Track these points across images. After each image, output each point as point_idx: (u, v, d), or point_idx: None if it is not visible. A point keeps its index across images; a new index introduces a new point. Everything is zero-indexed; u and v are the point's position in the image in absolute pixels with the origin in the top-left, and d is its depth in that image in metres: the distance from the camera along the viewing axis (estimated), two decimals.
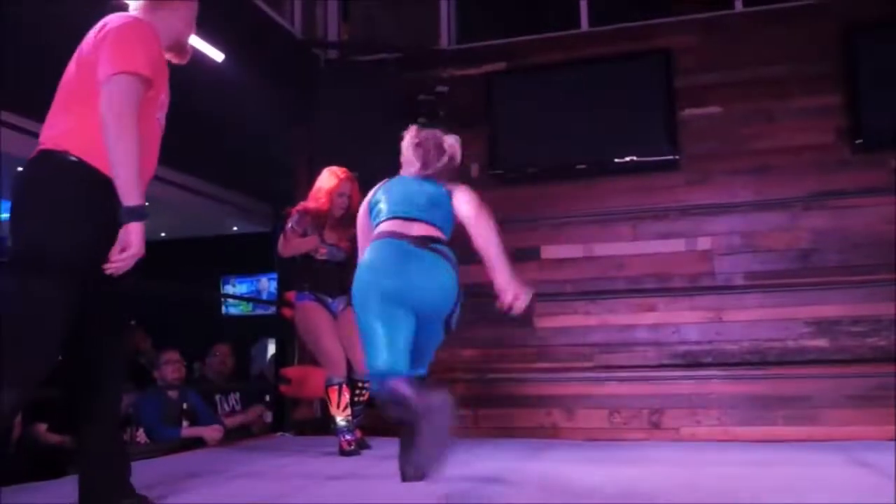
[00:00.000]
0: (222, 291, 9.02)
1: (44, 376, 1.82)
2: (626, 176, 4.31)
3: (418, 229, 2.31)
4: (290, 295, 3.77)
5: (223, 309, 9.16)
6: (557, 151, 4.36)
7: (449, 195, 2.45)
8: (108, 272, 1.89)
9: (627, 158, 4.25)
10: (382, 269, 2.25)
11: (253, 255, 7.16)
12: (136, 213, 1.88)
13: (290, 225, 3.42)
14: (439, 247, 2.31)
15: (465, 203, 2.39)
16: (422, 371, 2.43)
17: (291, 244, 3.45)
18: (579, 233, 4.36)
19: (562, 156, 4.36)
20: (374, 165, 3.27)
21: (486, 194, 4.24)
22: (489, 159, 4.50)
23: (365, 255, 2.35)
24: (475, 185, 4.28)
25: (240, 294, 9.08)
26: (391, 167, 3.73)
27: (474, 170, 4.59)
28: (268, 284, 8.67)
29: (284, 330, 4.56)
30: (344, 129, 4.36)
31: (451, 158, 2.54)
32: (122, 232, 1.87)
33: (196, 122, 3.44)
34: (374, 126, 4.31)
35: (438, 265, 2.27)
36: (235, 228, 8.26)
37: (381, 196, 2.46)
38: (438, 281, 2.26)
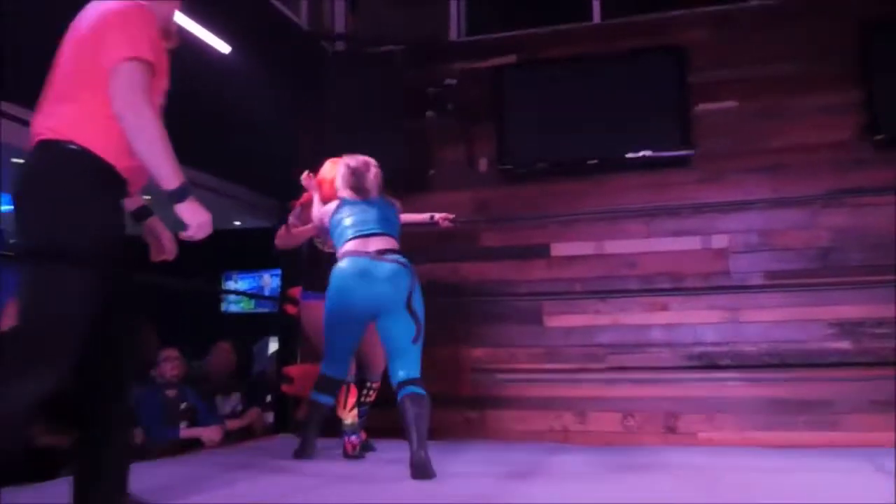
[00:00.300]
0: (223, 287, 8.91)
1: (67, 373, 1.76)
2: (638, 172, 4.22)
3: (376, 243, 2.89)
4: (295, 291, 3.68)
5: (224, 306, 9.07)
6: (568, 146, 4.27)
7: (394, 208, 3.10)
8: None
9: (640, 154, 4.14)
10: (349, 284, 2.84)
11: (255, 250, 6.95)
12: (177, 196, 1.86)
13: (291, 218, 3.38)
14: (393, 256, 2.86)
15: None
16: (413, 374, 2.77)
17: (291, 233, 3.39)
18: (590, 230, 4.27)
19: (573, 151, 4.27)
20: (381, 158, 3.25)
21: (494, 190, 4.45)
22: (498, 154, 4.41)
23: (340, 264, 2.89)
24: (483, 180, 4.48)
25: (241, 290, 9.00)
26: (398, 160, 3.72)
27: (482, 164, 4.51)
28: (270, 281, 8.59)
29: (287, 328, 4.50)
30: (351, 121, 4.27)
31: (379, 179, 3.09)
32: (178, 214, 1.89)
33: (199, 113, 3.42)
34: (381, 119, 4.26)
35: (394, 270, 2.82)
36: (237, 223, 8.16)
37: (340, 218, 2.99)
38: (394, 282, 2.79)
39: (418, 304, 2.82)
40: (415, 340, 2.78)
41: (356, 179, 3.04)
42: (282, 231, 3.42)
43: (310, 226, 3.38)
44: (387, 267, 2.81)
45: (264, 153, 4.89)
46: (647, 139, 4.15)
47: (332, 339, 2.98)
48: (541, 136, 4.31)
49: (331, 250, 3.31)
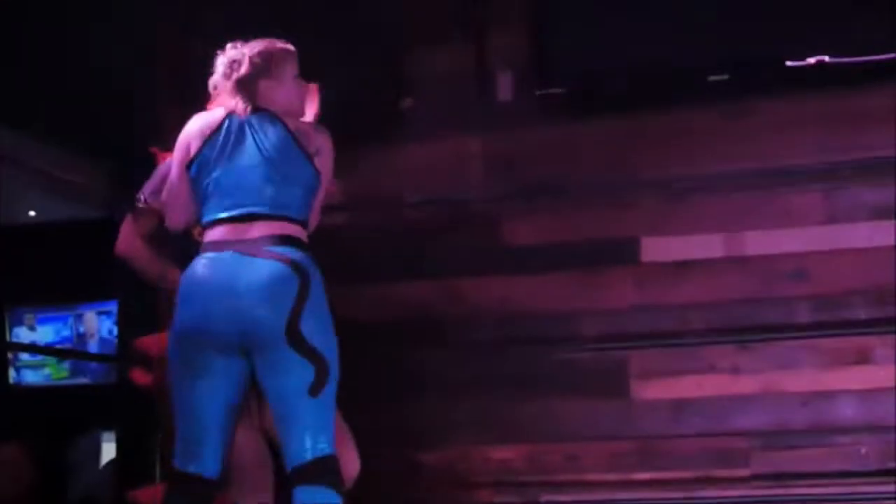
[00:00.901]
0: (9, 339, 8.83)
1: None
2: (807, 95, 4.25)
3: (258, 230, 3.02)
4: (149, 342, 3.64)
5: (14, 374, 9.01)
6: (670, 50, 4.33)
7: (302, 150, 3.11)
8: None
9: (810, 60, 4.19)
10: (202, 295, 2.96)
11: (74, 266, 6.93)
12: None
13: (144, 195, 3.36)
14: (275, 249, 2.98)
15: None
16: (317, 451, 2.86)
17: (140, 226, 3.39)
18: (715, 209, 4.34)
19: (679, 59, 4.34)
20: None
21: (528, 134, 4.40)
22: (535, 66, 4.50)
23: (195, 263, 3.01)
24: (507, 117, 4.40)
25: (44, 345, 8.88)
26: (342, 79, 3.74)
27: (505, 85, 4.52)
28: (97, 324, 8.53)
29: (134, 411, 4.51)
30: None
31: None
32: None
33: None
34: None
35: (270, 273, 2.93)
36: (33, 214, 8.18)
37: (207, 159, 3.09)
38: (266, 293, 2.90)
39: (317, 331, 2.93)
40: (314, 392, 2.88)
41: (234, 82, 3.11)
42: (126, 224, 3.39)
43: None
44: (258, 268, 2.94)
45: (96, 92, 5.01)
46: (825, 34, 4.21)
47: (181, 397, 3.05)
48: (617, 31, 4.35)
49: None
